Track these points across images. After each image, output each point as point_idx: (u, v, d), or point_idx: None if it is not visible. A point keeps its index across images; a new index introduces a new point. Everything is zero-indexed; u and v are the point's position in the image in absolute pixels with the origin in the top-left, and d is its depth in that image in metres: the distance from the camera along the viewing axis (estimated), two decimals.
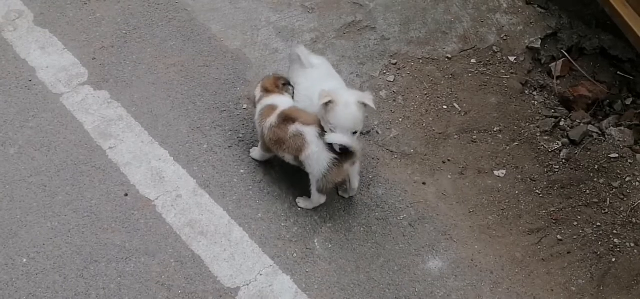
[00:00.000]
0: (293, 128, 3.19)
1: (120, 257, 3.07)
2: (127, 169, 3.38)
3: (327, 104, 3.07)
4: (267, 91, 3.36)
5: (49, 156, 3.38)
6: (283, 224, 3.28)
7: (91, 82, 3.72)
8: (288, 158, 3.27)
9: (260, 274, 3.09)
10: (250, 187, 3.39)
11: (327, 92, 3.10)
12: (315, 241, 3.24)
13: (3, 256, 3.02)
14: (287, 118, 3.22)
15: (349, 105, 3.09)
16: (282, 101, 3.31)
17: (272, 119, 3.25)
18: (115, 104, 3.64)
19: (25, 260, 3.03)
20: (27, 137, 3.44)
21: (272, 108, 3.29)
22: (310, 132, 3.16)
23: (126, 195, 3.29)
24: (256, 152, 3.49)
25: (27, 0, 4.07)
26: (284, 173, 3.46)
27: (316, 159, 3.15)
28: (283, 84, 3.39)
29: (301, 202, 3.38)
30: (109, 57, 3.86)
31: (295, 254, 3.18)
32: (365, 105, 3.15)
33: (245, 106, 3.72)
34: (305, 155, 3.17)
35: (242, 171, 3.45)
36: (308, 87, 3.32)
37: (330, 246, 3.23)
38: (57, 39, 3.90)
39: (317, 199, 3.30)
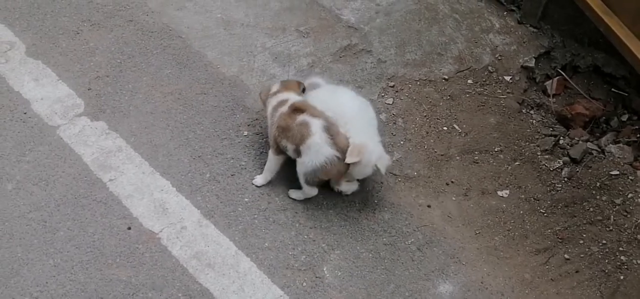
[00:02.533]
0: (300, 117, 3.24)
1: (126, 293, 2.99)
2: (129, 201, 3.30)
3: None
4: (286, 88, 3.46)
5: (48, 191, 3.29)
6: (291, 253, 3.23)
7: (88, 113, 3.64)
8: (290, 149, 3.30)
9: None
10: (256, 215, 3.34)
11: (356, 151, 3.22)
12: (325, 269, 3.20)
13: (5, 297, 2.92)
14: (297, 109, 3.29)
15: (371, 161, 3.28)
16: (294, 97, 3.40)
17: (284, 108, 3.33)
18: (113, 134, 3.56)
19: None
20: (24, 172, 3.35)
21: (284, 102, 3.36)
22: (316, 123, 3.21)
23: (129, 228, 3.21)
24: (259, 179, 3.45)
25: (18, 31, 3.99)
26: (289, 201, 3.41)
27: (315, 150, 3.20)
28: (302, 90, 3.51)
29: (293, 193, 3.42)
30: (105, 87, 3.79)
31: (304, 284, 3.13)
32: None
33: (245, 133, 3.67)
34: (307, 144, 3.20)
35: (246, 199, 3.40)
36: (323, 101, 3.43)
37: (339, 273, 3.19)
38: (51, 69, 3.82)
39: (309, 191, 3.35)
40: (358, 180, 3.41)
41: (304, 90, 3.52)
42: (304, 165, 3.26)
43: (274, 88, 3.49)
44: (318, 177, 3.26)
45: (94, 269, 3.05)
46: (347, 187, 3.40)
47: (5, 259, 3.03)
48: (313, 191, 3.36)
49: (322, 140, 3.19)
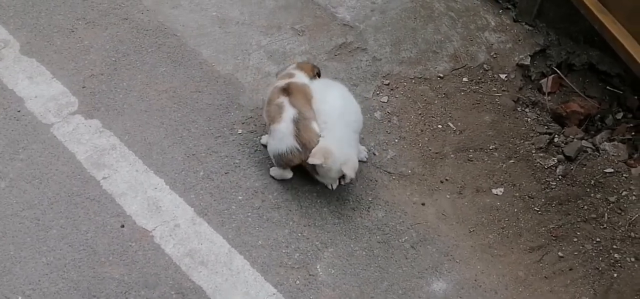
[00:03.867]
0: (280, 99, 3.30)
1: (119, 291, 2.99)
2: (122, 199, 3.30)
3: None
4: (300, 68, 3.52)
5: (41, 189, 3.29)
6: (284, 251, 3.23)
7: (82, 111, 3.64)
8: (267, 121, 3.38)
9: None
10: (249, 214, 3.34)
11: (320, 153, 3.22)
12: (318, 267, 3.19)
13: None
14: (286, 90, 3.34)
15: (334, 166, 3.27)
16: (300, 77, 3.45)
17: (281, 82, 3.39)
18: (107, 132, 3.56)
19: (20, 298, 2.92)
20: (17, 170, 3.35)
21: (289, 75, 3.43)
22: (288, 112, 3.26)
23: (122, 226, 3.20)
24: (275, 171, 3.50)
25: (12, 29, 3.99)
26: (282, 198, 3.41)
27: (279, 137, 3.26)
28: (316, 74, 3.57)
29: (272, 171, 3.48)
30: (99, 85, 3.78)
31: (298, 281, 3.13)
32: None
33: (240, 131, 3.67)
34: (273, 127, 3.27)
35: (240, 197, 3.39)
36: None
37: (333, 271, 3.19)
38: (45, 68, 3.81)
39: (280, 173, 3.42)
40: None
41: (318, 74, 3.59)
42: (270, 146, 3.35)
43: (290, 66, 3.59)
44: (283, 161, 3.31)
45: (87, 267, 3.04)
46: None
47: None
48: (287, 173, 3.41)
49: (287, 130, 3.24)
